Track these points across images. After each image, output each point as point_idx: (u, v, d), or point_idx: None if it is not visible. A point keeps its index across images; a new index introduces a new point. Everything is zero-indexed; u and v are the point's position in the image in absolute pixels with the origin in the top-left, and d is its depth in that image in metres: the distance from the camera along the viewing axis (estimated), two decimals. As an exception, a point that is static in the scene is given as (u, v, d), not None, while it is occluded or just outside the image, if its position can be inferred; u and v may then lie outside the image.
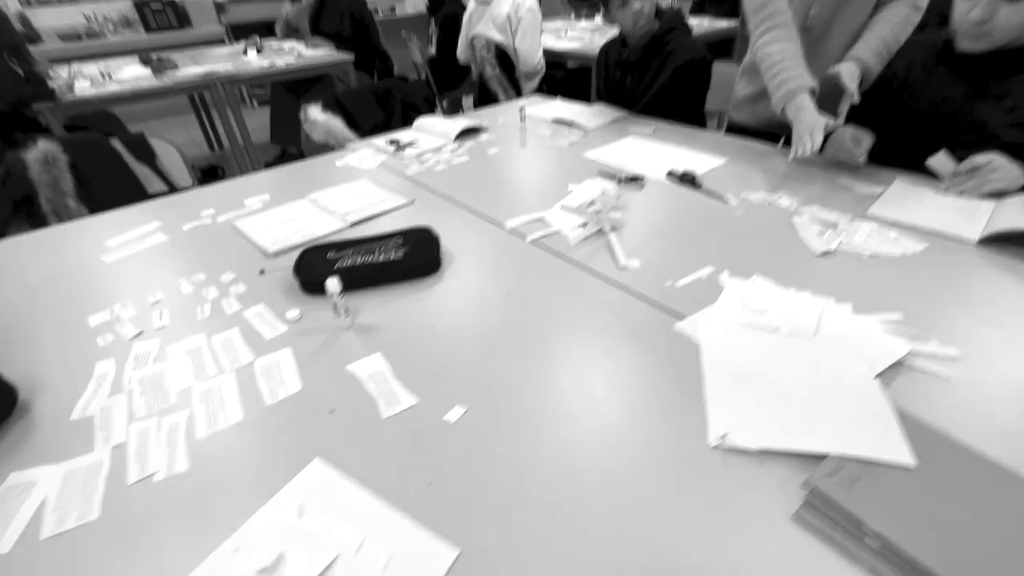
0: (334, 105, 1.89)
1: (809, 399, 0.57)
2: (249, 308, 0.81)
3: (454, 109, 1.79)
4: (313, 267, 0.85)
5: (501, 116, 1.72)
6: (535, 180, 1.25)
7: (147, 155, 1.56)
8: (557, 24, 3.76)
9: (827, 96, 1.07)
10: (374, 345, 0.71)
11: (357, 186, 1.24)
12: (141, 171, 1.55)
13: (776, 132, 1.43)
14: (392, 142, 1.51)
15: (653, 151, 1.35)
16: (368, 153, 1.45)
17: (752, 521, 0.47)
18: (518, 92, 2.78)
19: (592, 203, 1.06)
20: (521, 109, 1.62)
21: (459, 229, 1.02)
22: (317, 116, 1.78)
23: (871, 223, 0.93)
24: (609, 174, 1.20)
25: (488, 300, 0.81)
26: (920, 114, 1.09)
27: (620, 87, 1.71)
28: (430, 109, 3.74)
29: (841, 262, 0.84)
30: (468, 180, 1.26)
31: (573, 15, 4.20)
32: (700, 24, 3.29)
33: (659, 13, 1.57)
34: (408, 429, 0.58)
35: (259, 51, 3.28)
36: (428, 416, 0.60)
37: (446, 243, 0.93)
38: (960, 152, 1.01)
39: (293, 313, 0.78)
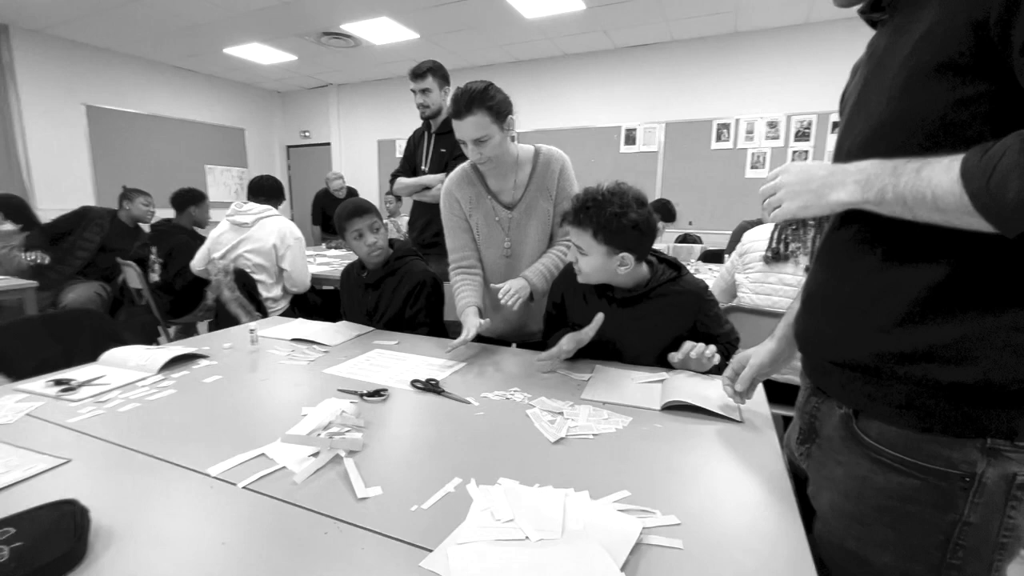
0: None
1: (567, 619, 0.51)
2: None
3: (187, 335, 1.53)
4: None
5: (228, 340, 1.53)
6: (262, 409, 1.07)
7: None
8: (309, 251, 3.91)
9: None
10: None
11: (-32, 453, 0.84)
12: None
13: (508, 340, 1.63)
14: (58, 382, 1.15)
15: (398, 361, 1.35)
16: (8, 401, 1.06)
17: None
18: (264, 314, 2.62)
19: (328, 425, 0.94)
20: (252, 331, 1.48)
21: (135, 490, 0.75)
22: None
23: (587, 406, 1.05)
24: (350, 390, 1.12)
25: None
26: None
27: (362, 306, 1.77)
28: (149, 340, 3.18)
29: (573, 447, 0.89)
30: (167, 420, 1.00)
31: (324, 245, 4.49)
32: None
33: (391, 243, 1.77)
34: None
35: None
36: None
37: (110, 516, 0.66)
38: (627, 363, 1.30)
39: None
